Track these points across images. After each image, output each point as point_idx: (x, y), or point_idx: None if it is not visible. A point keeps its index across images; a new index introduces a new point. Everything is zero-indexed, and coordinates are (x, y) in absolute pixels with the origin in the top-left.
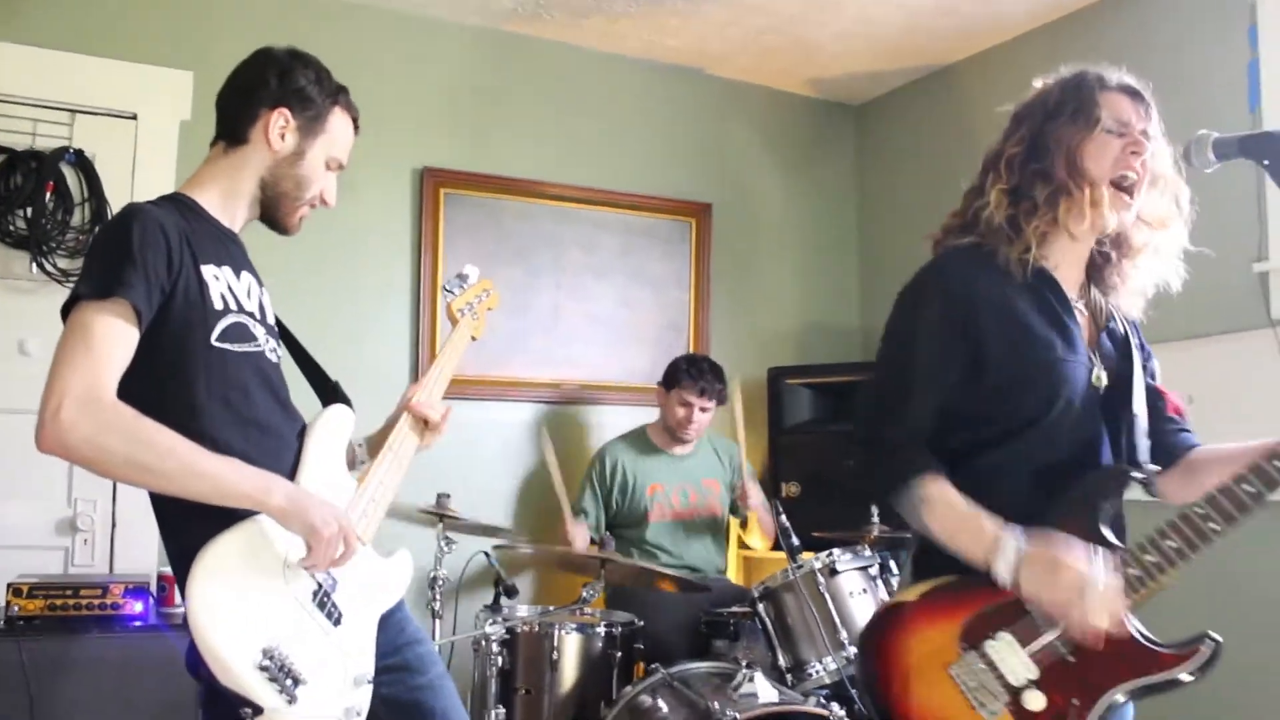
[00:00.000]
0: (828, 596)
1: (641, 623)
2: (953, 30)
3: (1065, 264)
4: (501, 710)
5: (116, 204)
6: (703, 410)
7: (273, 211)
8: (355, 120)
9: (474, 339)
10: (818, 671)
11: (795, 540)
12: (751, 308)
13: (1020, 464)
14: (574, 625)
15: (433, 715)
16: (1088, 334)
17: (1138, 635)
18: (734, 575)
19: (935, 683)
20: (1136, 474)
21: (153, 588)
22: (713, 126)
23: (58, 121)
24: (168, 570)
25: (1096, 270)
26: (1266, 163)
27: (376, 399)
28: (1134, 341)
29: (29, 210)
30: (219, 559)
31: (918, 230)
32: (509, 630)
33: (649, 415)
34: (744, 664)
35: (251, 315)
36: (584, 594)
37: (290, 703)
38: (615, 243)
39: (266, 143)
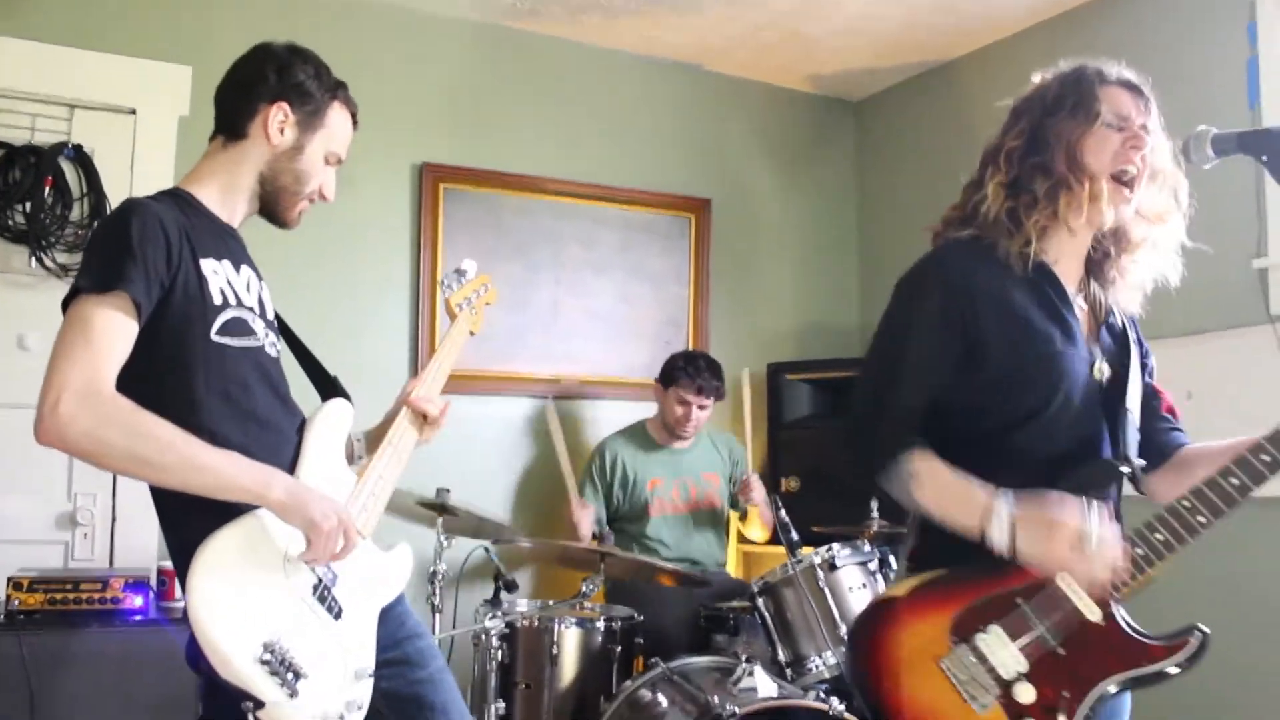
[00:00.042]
0: (827, 591)
1: (641, 617)
2: (952, 27)
3: (1065, 258)
4: (501, 704)
5: (115, 199)
6: (700, 408)
7: (272, 206)
8: (354, 115)
9: (472, 334)
10: (817, 666)
11: (795, 535)
12: (751, 303)
13: (1019, 457)
14: (574, 620)
15: (433, 709)
16: (1087, 328)
17: (1127, 628)
18: (733, 569)
19: (926, 676)
20: (1124, 468)
21: (153, 582)
22: (712, 123)
23: (57, 116)
24: (168, 564)
25: (1095, 265)
26: (1265, 159)
27: (375, 394)
28: (1132, 337)
29: (28, 205)
30: (219, 553)
31: (917, 226)
32: (509, 625)
33: (648, 410)
34: (744, 658)
35: (251, 310)
36: (583, 588)
37: (291, 696)
38: (614, 238)
39: (265, 137)
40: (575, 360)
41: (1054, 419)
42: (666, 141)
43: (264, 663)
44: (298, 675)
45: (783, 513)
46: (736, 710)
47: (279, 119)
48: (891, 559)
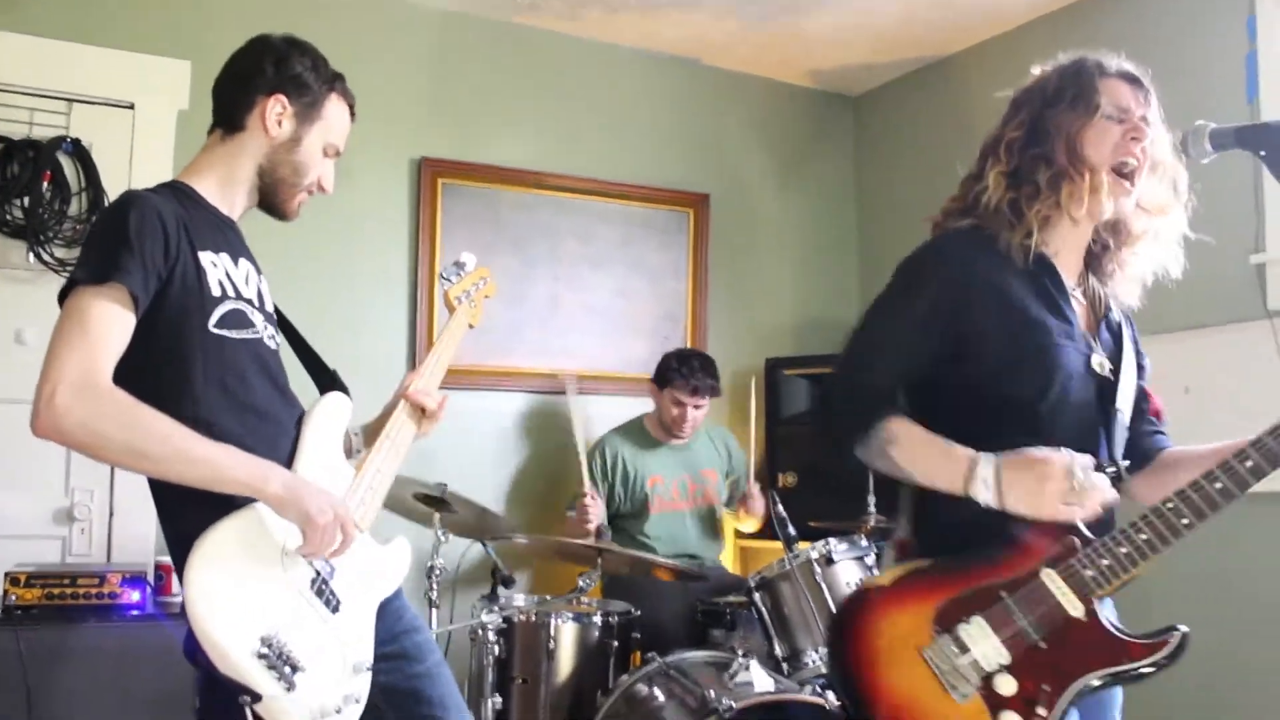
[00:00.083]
0: (824, 586)
1: (638, 612)
2: (950, 21)
3: (1065, 250)
4: (498, 699)
5: (114, 193)
6: (696, 408)
7: (271, 198)
8: (352, 107)
9: (471, 327)
10: (814, 660)
11: (791, 530)
12: (749, 298)
13: (1016, 449)
14: (571, 614)
15: (430, 703)
16: (1085, 322)
17: (1108, 625)
18: (730, 564)
19: (907, 664)
20: (1109, 468)
21: (150, 577)
22: (711, 117)
23: (55, 111)
24: (165, 559)
25: (1094, 258)
26: (1263, 154)
27: (373, 387)
28: (1128, 335)
29: (26, 199)
30: (217, 546)
31: (916, 221)
32: (506, 619)
33: (645, 405)
34: (740, 653)
35: (249, 302)
36: (580, 583)
37: (289, 690)
38: (613, 233)
39: (264, 129)
40: (573, 355)
41: (1050, 411)
42: (665, 136)
43: (261, 656)
44: (295, 669)
45: (780, 507)
46: (733, 704)
47: (276, 111)
48: (889, 554)
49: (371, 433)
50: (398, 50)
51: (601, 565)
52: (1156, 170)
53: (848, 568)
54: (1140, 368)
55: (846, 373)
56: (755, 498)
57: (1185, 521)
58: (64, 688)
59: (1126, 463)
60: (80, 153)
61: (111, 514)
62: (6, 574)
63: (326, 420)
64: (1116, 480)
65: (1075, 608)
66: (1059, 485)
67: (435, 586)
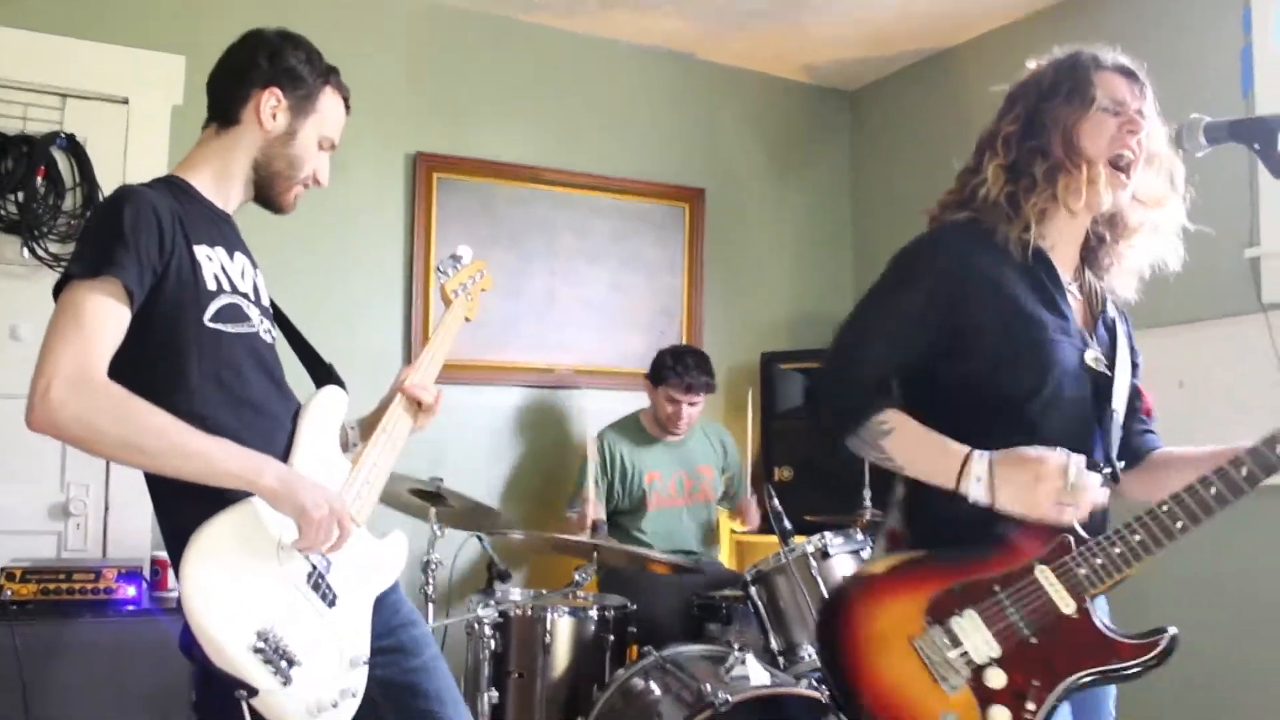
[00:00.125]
0: (819, 580)
1: (634, 606)
2: (947, 16)
3: (1062, 243)
4: (494, 693)
5: (108, 189)
6: (691, 405)
7: (266, 191)
8: (346, 100)
9: (468, 320)
10: (810, 654)
11: (787, 524)
12: (745, 293)
13: (1008, 444)
14: (567, 609)
15: (427, 697)
16: (1081, 318)
17: (1099, 624)
18: (726, 559)
19: (897, 653)
20: (1106, 469)
21: (145, 572)
22: (707, 112)
23: (49, 106)
24: (161, 554)
25: (1090, 252)
26: (1257, 147)
27: (368, 381)
28: (1123, 331)
29: (20, 195)
30: (212, 541)
31: (912, 215)
32: (502, 614)
33: (641, 400)
34: (736, 647)
35: (245, 296)
36: (576, 577)
37: (285, 684)
38: (609, 228)
39: (258, 122)
40: (569, 350)
41: (1043, 407)
42: (661, 131)
43: (257, 651)
44: (291, 663)
45: (775, 502)
46: (729, 698)
47: (271, 104)
48: None
49: (368, 426)
50: (392, 45)
51: (598, 559)
52: (1153, 163)
53: (843, 562)
54: (1134, 365)
55: (838, 363)
56: (752, 509)
57: (1179, 525)
58: (60, 683)
59: (1121, 464)
60: (75, 148)
61: (107, 509)
62: (2, 569)
63: (322, 414)
64: (1111, 480)
65: (1067, 605)
66: (1052, 485)
67: (431, 580)
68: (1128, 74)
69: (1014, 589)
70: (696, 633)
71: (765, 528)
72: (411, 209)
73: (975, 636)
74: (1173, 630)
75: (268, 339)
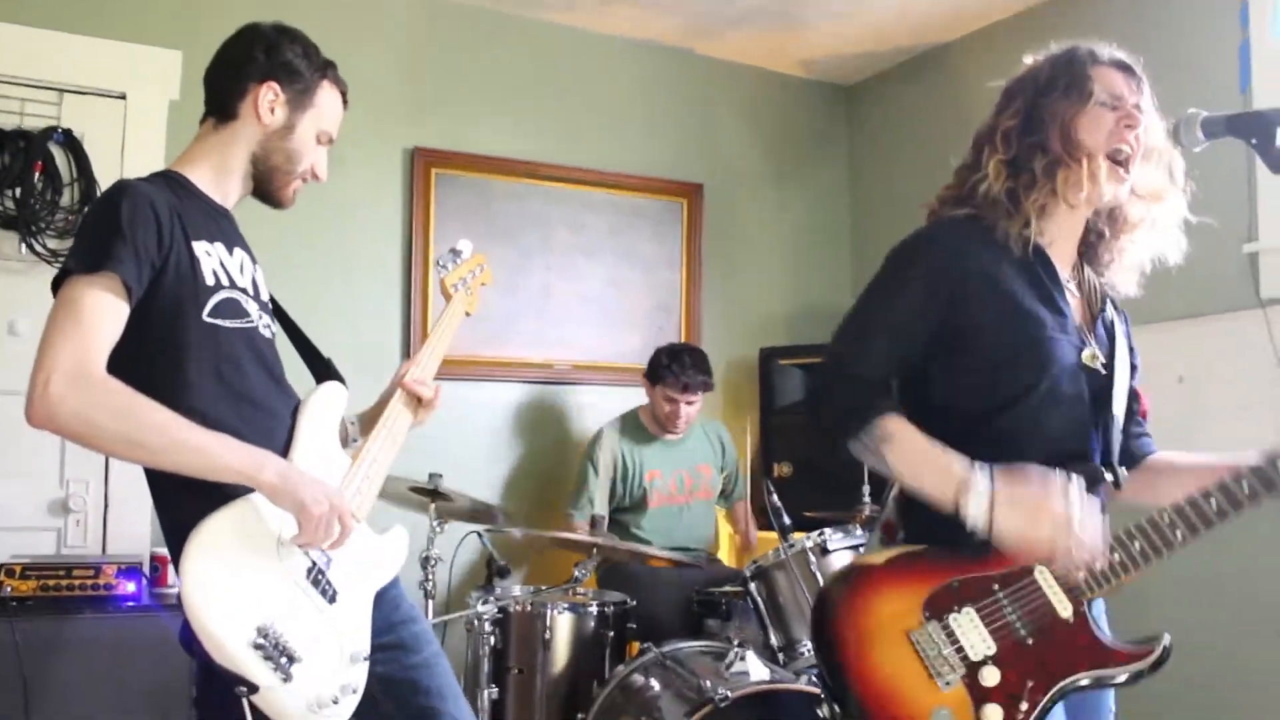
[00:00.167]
0: (819, 576)
1: (634, 602)
2: (945, 11)
3: (1060, 239)
4: (494, 689)
5: (106, 184)
6: (689, 404)
7: (265, 185)
8: (344, 94)
9: (468, 314)
10: (809, 650)
11: (786, 520)
12: (743, 288)
13: (1005, 441)
14: (566, 605)
15: (428, 693)
16: (1080, 316)
17: (1095, 629)
18: (725, 557)
19: (893, 646)
20: (1109, 475)
21: (145, 568)
22: (704, 107)
23: (46, 101)
24: (160, 550)
25: (1090, 248)
26: (1254, 141)
27: (367, 376)
28: (1122, 331)
29: (18, 190)
30: (212, 536)
31: (910, 211)
32: (501, 610)
33: (639, 395)
34: (736, 643)
35: (244, 291)
36: (576, 573)
37: (285, 680)
38: (606, 223)
39: (256, 117)
40: (568, 346)
41: (1041, 403)
42: (659, 126)
43: (257, 647)
44: (291, 659)
45: (775, 498)
46: (729, 694)
47: (269, 98)
48: None
49: (368, 421)
50: (389, 39)
51: (597, 554)
52: (1151, 158)
53: (843, 558)
54: (1133, 367)
55: (838, 362)
56: (751, 527)
57: (1179, 535)
58: (60, 679)
59: (1125, 472)
60: (72, 143)
61: (107, 505)
62: (2, 565)
63: (322, 409)
64: (1114, 486)
65: (1065, 608)
66: (1050, 527)
67: (431, 576)
68: (1125, 69)
69: (1013, 589)
70: (696, 629)
71: (765, 523)
72: (409, 204)
73: (972, 634)
74: (1167, 639)
75: (267, 334)
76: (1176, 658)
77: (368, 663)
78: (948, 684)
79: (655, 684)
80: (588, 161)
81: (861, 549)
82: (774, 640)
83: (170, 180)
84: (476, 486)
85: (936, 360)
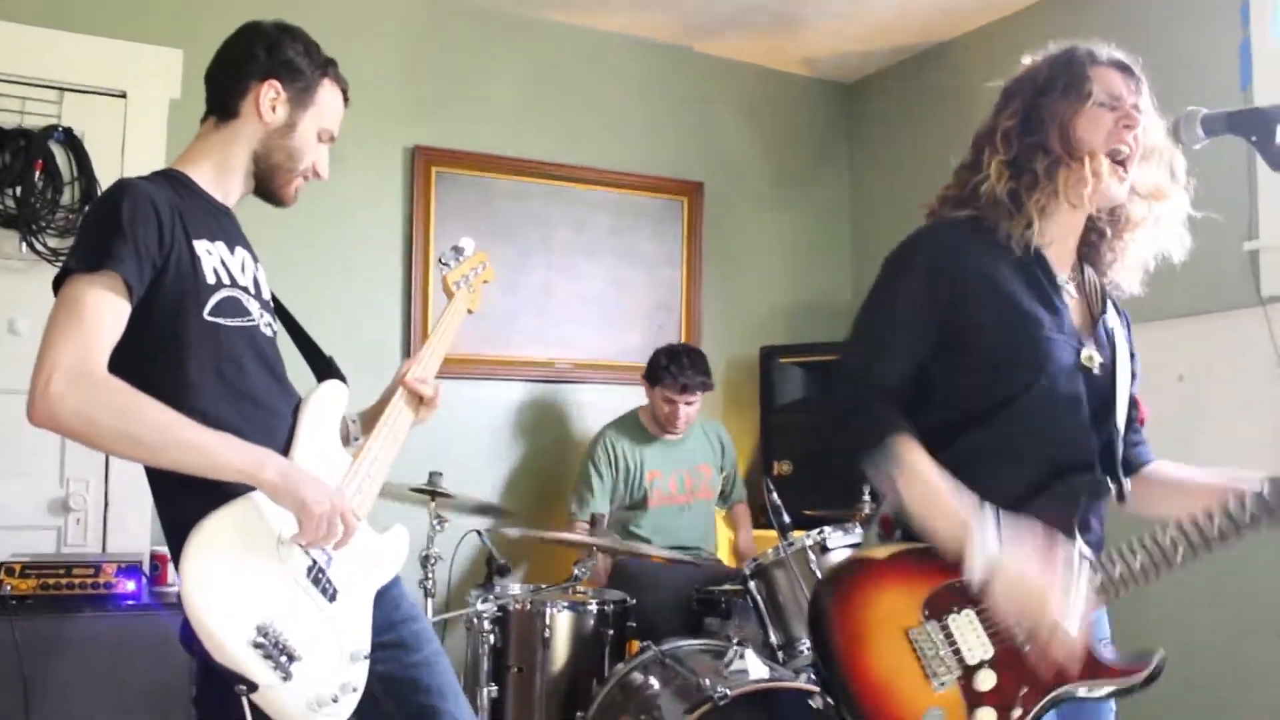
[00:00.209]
0: (819, 574)
1: (634, 600)
2: (945, 8)
3: (1059, 239)
4: (493, 688)
5: (106, 183)
6: (688, 404)
7: (267, 184)
8: (345, 92)
9: (470, 312)
10: (808, 649)
11: (786, 518)
12: (743, 286)
13: (1003, 441)
14: (566, 603)
15: (428, 692)
16: (1079, 316)
17: (1091, 642)
18: (725, 557)
19: (891, 642)
20: (1114, 487)
21: (145, 567)
22: (704, 105)
23: (46, 100)
24: (160, 549)
25: (1091, 248)
26: (1254, 138)
27: (367, 374)
28: (1123, 337)
29: (18, 189)
30: (213, 535)
31: (910, 209)
32: (501, 608)
33: (639, 394)
34: (735, 641)
35: (245, 290)
36: (576, 572)
37: (285, 679)
38: (606, 222)
39: (258, 115)
40: (569, 344)
41: (1038, 403)
42: (659, 124)
43: (257, 646)
44: (291, 658)
45: (774, 496)
46: (728, 692)
47: (270, 96)
48: None
49: (369, 419)
50: (388, 37)
51: (595, 553)
52: (1150, 157)
53: (842, 556)
54: (1132, 374)
55: (854, 374)
56: (747, 530)
57: (1180, 555)
58: (60, 678)
59: (1130, 486)
60: (72, 142)
61: (107, 504)
62: (1, 564)
63: (323, 408)
64: (1118, 499)
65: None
66: (1042, 613)
67: (430, 576)
68: (1123, 69)
69: None
70: (695, 627)
71: (764, 522)
72: (410, 203)
73: (971, 636)
74: (1160, 654)
75: (268, 332)
76: (1176, 658)
77: (368, 661)
78: (943, 684)
79: (655, 682)
80: (587, 160)
81: (860, 547)
82: (773, 639)
83: (171, 179)
84: (477, 485)
85: (937, 361)
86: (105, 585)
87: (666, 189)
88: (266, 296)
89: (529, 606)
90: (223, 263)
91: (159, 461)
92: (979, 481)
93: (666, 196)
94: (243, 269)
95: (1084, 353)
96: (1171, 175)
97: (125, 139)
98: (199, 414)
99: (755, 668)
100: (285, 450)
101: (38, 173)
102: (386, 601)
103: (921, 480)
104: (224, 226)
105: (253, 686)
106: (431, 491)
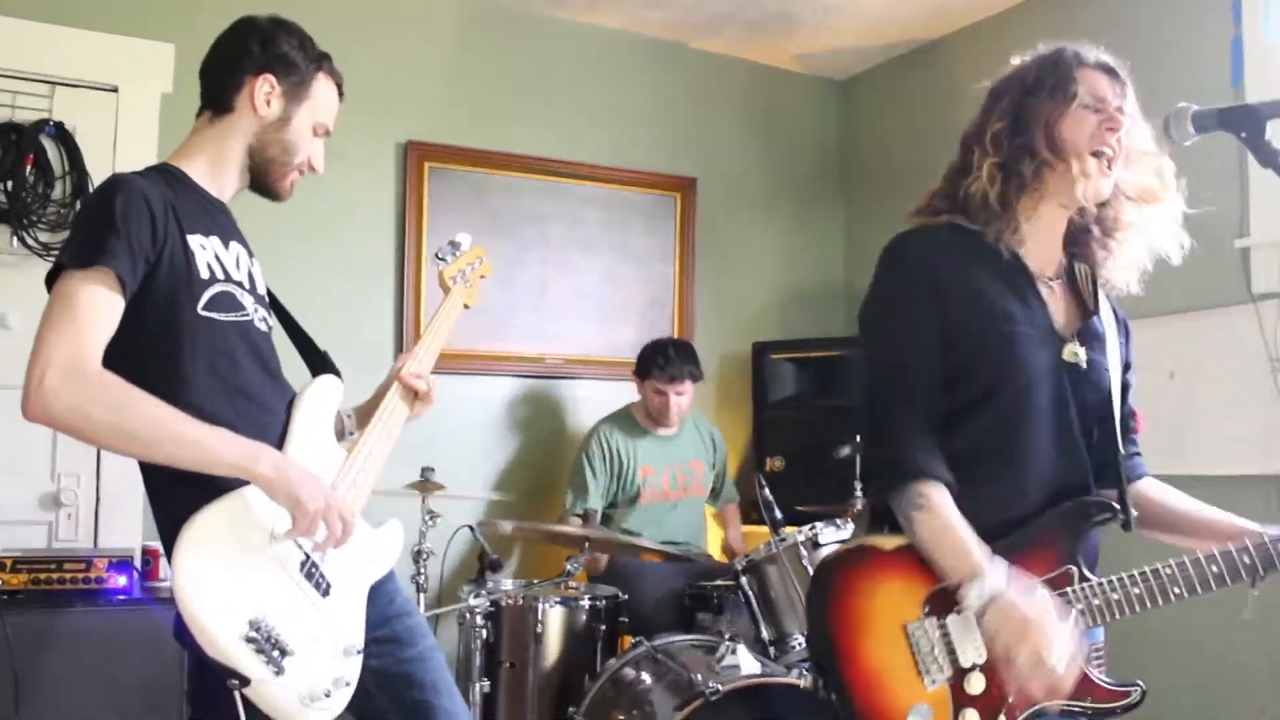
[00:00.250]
0: (810, 569)
1: (626, 596)
2: (939, 5)
3: (1041, 239)
4: (486, 683)
5: (98, 177)
6: (678, 394)
7: (262, 178)
8: (339, 86)
9: (466, 307)
10: (800, 644)
11: (778, 514)
12: (736, 282)
13: (988, 437)
14: (558, 599)
15: (422, 687)
16: (1064, 314)
17: (1082, 663)
18: (716, 553)
19: (887, 634)
20: (1121, 516)
21: (137, 562)
22: (697, 101)
23: (38, 94)
24: (151, 544)
25: (1082, 247)
26: (1244, 135)
27: (361, 369)
28: (1117, 342)
29: (9, 183)
30: (206, 529)
31: (903, 205)
32: (493, 603)
33: (633, 390)
34: (727, 636)
35: (240, 285)
36: (568, 567)
37: (277, 674)
38: (600, 217)
39: (252, 109)
40: (562, 340)
41: (1015, 400)
42: (652, 120)
43: (250, 640)
44: (284, 653)
45: (766, 491)
46: (719, 688)
47: (265, 90)
48: None
49: (364, 414)
50: (382, 33)
51: (589, 549)
52: (1133, 160)
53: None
54: (1125, 384)
55: (882, 419)
56: (738, 541)
57: (1177, 591)
58: (51, 673)
59: (1135, 513)
60: (64, 136)
61: (98, 499)
62: None
63: (317, 403)
64: (1123, 528)
65: None
66: (1029, 650)
67: (423, 570)
68: (1110, 72)
69: None
70: (688, 623)
71: (756, 517)
72: (403, 198)
73: (966, 639)
74: (1141, 686)
75: (263, 327)
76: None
77: (361, 656)
78: (933, 682)
79: (646, 678)
80: (581, 155)
81: None
82: (765, 634)
83: (166, 174)
84: (471, 480)
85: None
86: (96, 580)
87: (660, 184)
88: (261, 291)
89: (521, 602)
90: (217, 258)
91: (153, 456)
92: (971, 483)
93: (660, 192)
94: (237, 264)
95: (1067, 348)
96: (1161, 179)
97: (117, 133)
98: (193, 409)
99: (747, 663)
100: (279, 445)
101: (29, 167)
102: (381, 596)
103: (943, 521)
104: (219, 221)
105: (245, 681)
106: (424, 484)
